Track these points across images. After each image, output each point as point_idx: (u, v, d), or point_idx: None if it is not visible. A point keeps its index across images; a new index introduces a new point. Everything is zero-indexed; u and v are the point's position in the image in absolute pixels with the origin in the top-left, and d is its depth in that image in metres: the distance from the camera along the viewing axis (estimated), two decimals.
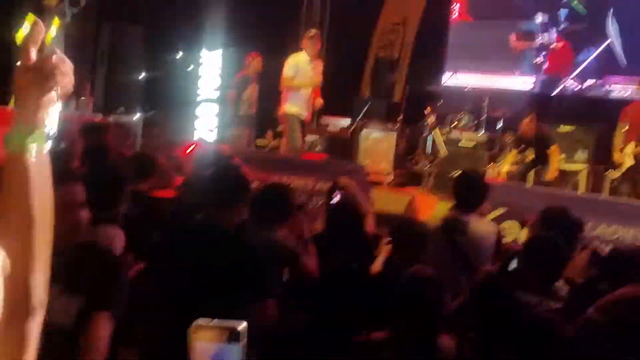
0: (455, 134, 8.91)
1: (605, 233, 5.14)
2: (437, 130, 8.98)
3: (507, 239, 5.25)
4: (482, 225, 3.97)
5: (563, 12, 9.40)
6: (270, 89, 8.73)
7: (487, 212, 4.55)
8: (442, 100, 9.42)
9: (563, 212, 4.02)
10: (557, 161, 7.74)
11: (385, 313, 2.75)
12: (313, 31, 8.20)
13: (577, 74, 9.21)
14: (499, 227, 4.26)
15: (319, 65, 7.89)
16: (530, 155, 7.83)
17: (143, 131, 8.94)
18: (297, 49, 8.09)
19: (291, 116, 7.81)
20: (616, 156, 7.15)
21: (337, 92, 8.89)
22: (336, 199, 4.23)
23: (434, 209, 6.62)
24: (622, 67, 8.85)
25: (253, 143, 9.06)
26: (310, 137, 9.49)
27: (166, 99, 9.77)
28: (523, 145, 7.80)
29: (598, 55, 8.98)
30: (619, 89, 8.82)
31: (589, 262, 3.70)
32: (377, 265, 3.61)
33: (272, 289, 2.93)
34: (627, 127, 7.00)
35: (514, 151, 8.00)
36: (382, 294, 3.05)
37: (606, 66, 8.96)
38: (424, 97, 9.54)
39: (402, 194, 7.74)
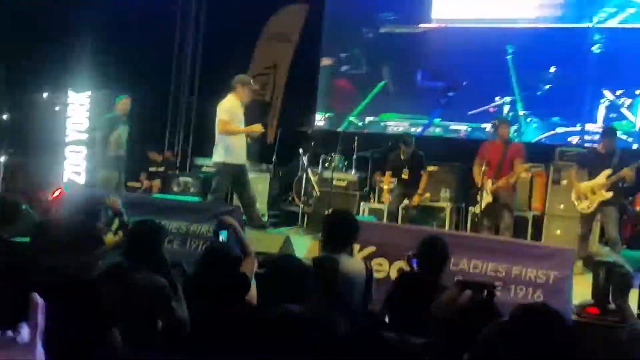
0: (327, 174, 9.13)
1: (468, 267, 5.43)
2: (310, 171, 9.19)
3: (378, 276, 5.46)
4: (352, 263, 4.06)
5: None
6: (140, 130, 8.64)
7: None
8: (314, 142, 9.65)
9: (430, 247, 4.22)
10: (425, 183, 8.26)
11: (256, 353, 2.76)
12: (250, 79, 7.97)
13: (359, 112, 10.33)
14: (369, 265, 4.37)
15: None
16: (404, 174, 8.27)
17: (8, 174, 8.56)
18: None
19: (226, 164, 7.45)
20: (472, 194, 7.59)
21: (211, 134, 8.90)
22: (222, 237, 4.23)
23: (308, 248, 6.74)
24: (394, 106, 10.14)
25: (123, 185, 8.85)
26: (184, 179, 9.43)
27: (32, 140, 9.42)
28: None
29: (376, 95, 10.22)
30: (393, 125, 10.12)
31: (459, 298, 3.87)
32: (250, 305, 3.63)
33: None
34: (484, 166, 7.42)
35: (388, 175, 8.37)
36: (252, 334, 3.07)
37: (382, 105, 10.19)
38: (297, 138, 9.75)
39: (277, 234, 7.82)
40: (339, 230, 4.13)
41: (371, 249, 5.71)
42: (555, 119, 9.34)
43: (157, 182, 9.51)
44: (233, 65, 10.22)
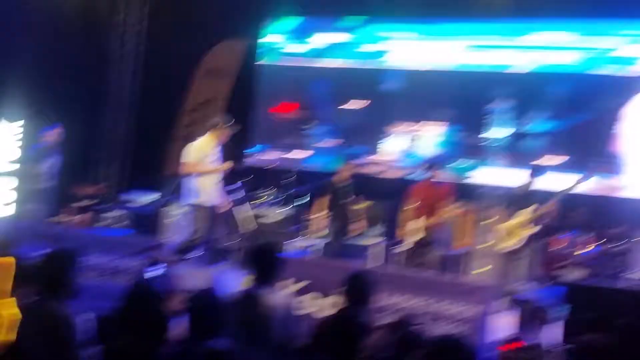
0: (261, 210, 9.17)
1: (398, 302, 5.54)
2: (243, 207, 9.19)
3: (311, 310, 5.52)
4: (277, 297, 4.07)
5: None
6: (72, 162, 8.50)
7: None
8: (249, 177, 9.68)
9: (357, 283, 4.30)
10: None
11: None
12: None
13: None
14: (294, 299, 4.38)
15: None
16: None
17: None
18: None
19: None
20: (401, 232, 7.73)
21: (144, 168, 8.87)
22: (151, 274, 4.20)
23: (241, 283, 6.73)
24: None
25: (53, 217, 8.67)
26: (116, 212, 9.32)
27: None
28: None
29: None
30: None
31: (389, 337, 3.94)
32: (171, 342, 3.59)
33: None
34: (417, 204, 7.59)
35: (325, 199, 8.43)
36: None
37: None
38: (231, 173, 9.76)
39: (210, 269, 7.77)
40: (261, 265, 4.14)
41: (304, 283, 5.77)
42: None
43: (87, 216, 9.34)
44: (170, 101, 10.25)
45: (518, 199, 7.92)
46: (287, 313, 4.04)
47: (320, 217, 8.55)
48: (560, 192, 7.63)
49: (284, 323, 4.00)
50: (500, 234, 7.82)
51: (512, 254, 7.74)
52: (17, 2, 9.47)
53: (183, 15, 10.21)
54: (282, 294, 4.12)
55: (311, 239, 8.77)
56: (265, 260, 4.19)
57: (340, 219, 8.43)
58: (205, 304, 3.47)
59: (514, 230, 7.73)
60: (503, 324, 5.73)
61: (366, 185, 9.38)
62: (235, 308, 3.97)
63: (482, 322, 5.45)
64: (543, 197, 7.74)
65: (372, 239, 8.72)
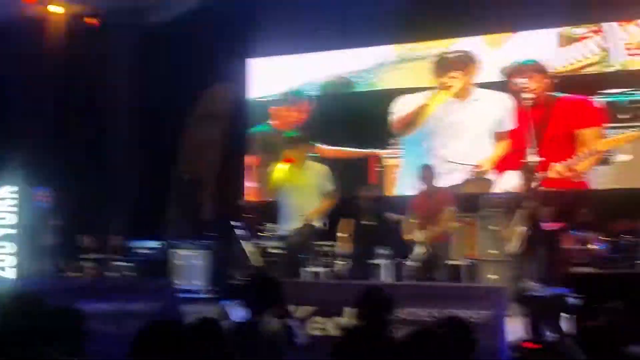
0: (265, 243, 9.16)
1: (407, 315, 5.50)
2: (248, 243, 9.22)
3: (318, 333, 5.48)
4: (272, 325, 4.03)
5: None
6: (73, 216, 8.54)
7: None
8: (249, 214, 9.71)
9: (371, 300, 4.27)
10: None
11: None
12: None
13: None
14: (302, 324, 4.32)
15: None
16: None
17: None
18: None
19: None
20: (409, 237, 7.71)
21: (146, 215, 8.92)
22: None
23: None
24: None
25: (58, 273, 8.68)
26: (124, 262, 9.36)
27: None
28: None
29: None
30: None
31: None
32: None
33: None
34: (419, 216, 7.59)
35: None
36: None
37: None
38: (232, 212, 9.81)
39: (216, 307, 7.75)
40: (255, 294, 4.15)
41: (309, 309, 5.73)
42: None
43: (92, 269, 9.35)
44: (164, 148, 10.34)
45: (516, 203, 7.98)
46: (284, 338, 4.01)
47: (344, 238, 8.52)
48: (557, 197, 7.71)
49: (284, 349, 3.97)
50: (501, 239, 7.86)
51: (520, 257, 7.75)
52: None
53: (171, 62, 10.34)
54: (278, 320, 4.09)
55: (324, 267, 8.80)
56: (257, 289, 4.18)
57: (364, 240, 8.40)
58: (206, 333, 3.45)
59: (514, 235, 7.76)
60: (517, 326, 5.69)
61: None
62: (237, 337, 3.96)
63: (496, 326, 5.40)
64: (541, 200, 7.81)
65: (382, 257, 8.68)
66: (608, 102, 9.08)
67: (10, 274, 9.12)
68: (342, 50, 10.43)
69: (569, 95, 9.30)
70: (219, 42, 10.20)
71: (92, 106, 10.77)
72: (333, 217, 8.58)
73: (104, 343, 5.52)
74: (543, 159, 9.00)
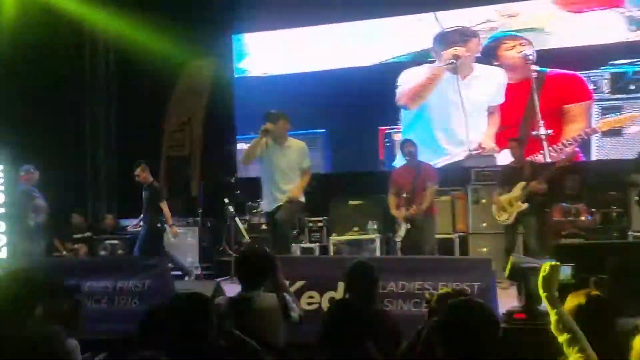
0: (256, 219, 9.18)
1: (395, 288, 5.54)
2: (237, 219, 9.22)
3: (310, 308, 5.50)
4: (265, 299, 4.02)
5: None
6: (61, 196, 8.50)
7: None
8: (239, 190, 9.70)
9: (358, 273, 4.28)
10: None
11: None
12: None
13: None
14: (292, 299, 4.30)
15: None
16: None
17: None
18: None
19: None
20: (395, 212, 7.65)
21: (134, 194, 8.88)
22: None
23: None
24: None
25: (49, 253, 8.68)
26: (110, 242, 9.33)
27: None
28: None
29: None
30: None
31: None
32: None
33: None
34: (402, 190, 7.57)
35: None
36: None
37: None
38: (221, 188, 9.80)
39: (210, 284, 7.77)
40: (248, 269, 4.11)
41: (300, 283, 5.75)
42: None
43: (83, 248, 9.34)
44: (147, 125, 10.29)
45: (508, 176, 8.00)
46: (277, 312, 4.00)
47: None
48: (548, 170, 7.73)
49: (276, 323, 3.96)
50: (497, 209, 7.88)
51: (511, 229, 7.81)
52: None
53: (153, 38, 10.23)
54: (269, 294, 4.07)
55: (311, 243, 8.82)
56: (248, 264, 4.15)
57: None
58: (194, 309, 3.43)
59: (506, 207, 7.80)
60: (506, 297, 5.72)
61: (357, 182, 9.47)
62: (227, 313, 3.95)
63: (483, 296, 5.42)
64: (532, 171, 7.83)
65: (371, 234, 8.72)
66: (611, 74, 9.06)
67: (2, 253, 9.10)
68: (336, 24, 10.30)
69: (559, 69, 9.28)
70: (204, 15, 10.09)
71: (75, 83, 10.70)
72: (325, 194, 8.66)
73: (96, 320, 5.60)
74: (548, 132, 9.09)
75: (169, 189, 10.47)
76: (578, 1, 9.22)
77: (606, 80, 9.06)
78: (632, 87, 8.95)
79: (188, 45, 10.10)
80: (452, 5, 9.70)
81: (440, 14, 9.81)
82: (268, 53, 10.68)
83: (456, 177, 9.01)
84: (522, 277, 5.73)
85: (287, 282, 4.58)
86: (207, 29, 10.22)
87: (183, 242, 9.25)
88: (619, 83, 9.00)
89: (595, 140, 9.13)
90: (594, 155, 9.13)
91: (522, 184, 7.75)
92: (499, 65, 9.52)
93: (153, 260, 6.53)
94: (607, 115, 9.06)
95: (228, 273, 8.96)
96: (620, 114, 8.99)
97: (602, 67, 9.05)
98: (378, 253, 8.49)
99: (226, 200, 9.34)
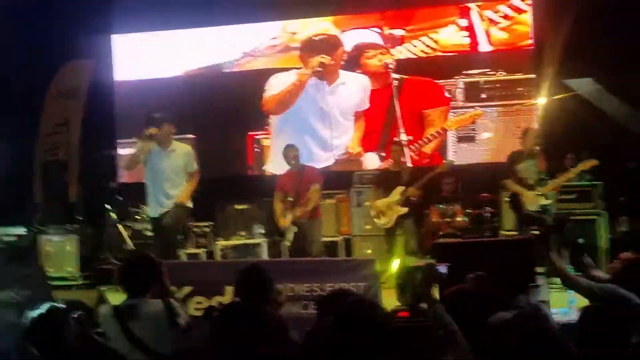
0: (140, 225, 8.99)
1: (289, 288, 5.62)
2: (120, 226, 8.99)
3: (198, 314, 5.45)
4: (150, 305, 3.99)
5: None
6: None
7: None
8: (121, 197, 9.47)
9: (248, 276, 4.29)
10: None
11: None
12: None
13: None
14: (178, 305, 4.26)
15: None
16: None
17: None
18: None
19: None
20: (281, 222, 7.71)
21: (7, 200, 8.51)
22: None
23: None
24: None
25: None
26: None
27: None
28: None
29: None
30: None
31: None
32: None
33: None
34: (287, 194, 7.63)
35: None
36: None
37: None
38: (102, 194, 9.53)
39: (92, 292, 7.54)
40: (133, 275, 4.07)
41: (188, 288, 5.72)
42: None
43: None
44: (21, 125, 9.84)
45: (385, 180, 8.31)
46: (163, 318, 3.97)
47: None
48: (426, 176, 8.08)
49: (162, 329, 3.94)
50: (376, 214, 8.16)
51: (391, 231, 8.09)
52: None
53: (26, 38, 9.80)
54: (154, 301, 4.03)
55: (197, 249, 8.75)
56: (131, 271, 4.10)
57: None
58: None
59: (385, 210, 8.09)
60: (392, 301, 5.92)
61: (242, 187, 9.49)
62: (118, 320, 3.89)
63: (369, 296, 5.59)
64: (410, 177, 8.16)
65: (257, 239, 8.75)
66: (465, 83, 9.60)
67: None
68: (213, 28, 10.32)
69: (417, 77, 9.73)
70: (80, 15, 9.77)
71: None
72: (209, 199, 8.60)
73: None
74: (409, 137, 9.49)
75: (45, 194, 10.05)
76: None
77: (460, 90, 9.60)
78: (483, 95, 9.55)
79: (62, 45, 9.76)
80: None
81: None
82: (142, 56, 10.57)
83: (339, 180, 9.22)
84: (405, 277, 5.98)
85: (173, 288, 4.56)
86: (83, 30, 9.91)
87: (61, 251, 8.91)
88: (472, 92, 9.56)
89: (451, 145, 9.64)
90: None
91: (400, 188, 8.06)
92: (362, 73, 9.86)
93: (28, 270, 6.26)
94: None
95: (110, 281, 8.72)
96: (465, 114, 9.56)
97: (456, 77, 9.60)
98: (265, 257, 8.54)
99: (108, 207, 9.09)
